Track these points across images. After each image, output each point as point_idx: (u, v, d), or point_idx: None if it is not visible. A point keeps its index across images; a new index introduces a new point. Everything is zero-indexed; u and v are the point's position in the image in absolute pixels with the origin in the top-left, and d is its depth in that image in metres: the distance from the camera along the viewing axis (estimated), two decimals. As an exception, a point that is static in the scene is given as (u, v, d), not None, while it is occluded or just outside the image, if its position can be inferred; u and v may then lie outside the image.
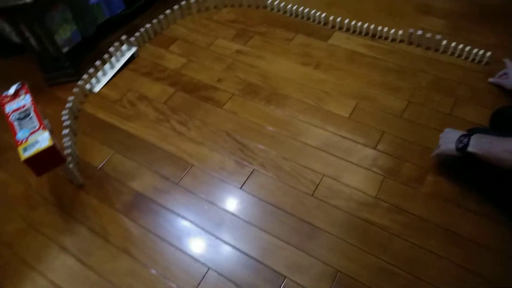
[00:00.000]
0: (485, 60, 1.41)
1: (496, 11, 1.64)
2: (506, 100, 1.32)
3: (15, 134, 1.02)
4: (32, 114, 1.06)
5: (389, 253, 1.03)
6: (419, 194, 1.14)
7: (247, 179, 1.22)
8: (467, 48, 1.42)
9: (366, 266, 1.02)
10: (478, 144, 0.96)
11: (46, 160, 1.01)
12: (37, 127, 1.03)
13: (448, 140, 1.05)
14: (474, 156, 0.96)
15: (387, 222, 1.09)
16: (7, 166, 1.33)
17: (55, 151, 1.01)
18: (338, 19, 1.59)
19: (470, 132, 1.03)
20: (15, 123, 1.04)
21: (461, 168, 1.14)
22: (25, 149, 0.98)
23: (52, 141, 1.00)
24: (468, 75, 1.41)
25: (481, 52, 1.40)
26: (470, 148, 0.96)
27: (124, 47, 1.62)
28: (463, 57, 1.45)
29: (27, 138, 1.00)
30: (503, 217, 1.07)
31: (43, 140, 0.99)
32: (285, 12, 1.71)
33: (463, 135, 1.00)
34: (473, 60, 1.44)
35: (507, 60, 1.34)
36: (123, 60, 1.59)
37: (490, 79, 1.37)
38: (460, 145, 0.99)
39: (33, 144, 0.98)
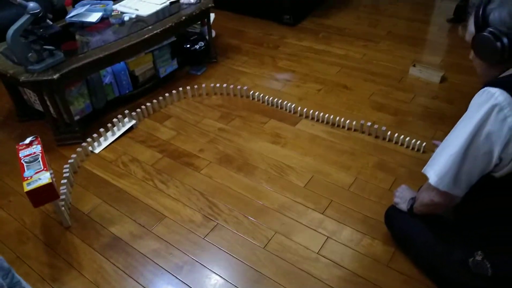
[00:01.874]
0: (422, 149, 1.69)
1: (434, 112, 1.96)
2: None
3: (23, 172, 1.27)
4: (39, 159, 1.32)
5: (322, 299, 1.19)
6: (355, 253, 1.32)
7: (210, 231, 1.42)
8: (407, 138, 1.70)
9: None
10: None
11: (44, 194, 1.24)
12: (42, 168, 1.28)
13: (403, 199, 1.30)
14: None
15: (325, 275, 1.26)
16: (8, 207, 1.56)
17: (52, 188, 1.25)
18: (305, 109, 1.92)
19: None
20: (25, 165, 1.30)
21: (392, 235, 1.35)
22: (29, 184, 1.22)
23: (51, 180, 1.24)
24: (408, 160, 1.67)
25: (418, 142, 1.68)
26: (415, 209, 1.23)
27: (126, 119, 1.94)
28: (405, 146, 1.73)
29: (31, 176, 1.25)
30: (427, 280, 1.23)
31: (44, 178, 1.24)
32: (263, 102, 2.06)
33: (412, 198, 1.25)
34: (412, 148, 1.71)
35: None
36: (123, 129, 1.90)
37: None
38: (409, 206, 1.25)
39: (35, 180, 1.23)
